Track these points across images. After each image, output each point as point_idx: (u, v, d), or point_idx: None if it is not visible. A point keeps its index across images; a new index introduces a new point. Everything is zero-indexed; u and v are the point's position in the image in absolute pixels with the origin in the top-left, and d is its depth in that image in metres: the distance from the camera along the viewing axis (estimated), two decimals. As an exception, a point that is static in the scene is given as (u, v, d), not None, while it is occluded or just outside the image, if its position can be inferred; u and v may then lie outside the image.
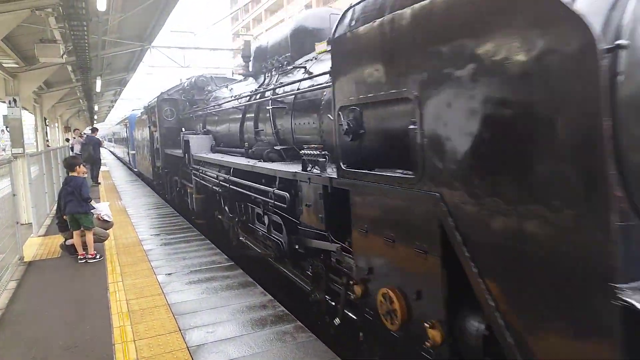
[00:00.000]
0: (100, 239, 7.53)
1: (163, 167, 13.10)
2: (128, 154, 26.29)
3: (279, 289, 6.25)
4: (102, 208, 7.85)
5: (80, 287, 5.96)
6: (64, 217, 7.18)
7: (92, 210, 7.62)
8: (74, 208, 7.00)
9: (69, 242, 7.33)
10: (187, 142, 10.03)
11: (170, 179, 13.06)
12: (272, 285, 6.25)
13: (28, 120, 19.41)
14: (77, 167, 7.43)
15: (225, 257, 7.09)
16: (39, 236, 9.17)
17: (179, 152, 11.13)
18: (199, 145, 9.77)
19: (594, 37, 1.77)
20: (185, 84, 12.69)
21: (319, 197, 4.32)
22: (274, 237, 6.00)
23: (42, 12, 8.73)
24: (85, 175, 7.79)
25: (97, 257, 7.11)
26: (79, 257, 7.07)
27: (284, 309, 4.93)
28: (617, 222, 1.76)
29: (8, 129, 11.59)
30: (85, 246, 7.13)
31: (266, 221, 6.30)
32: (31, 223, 9.57)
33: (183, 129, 11.23)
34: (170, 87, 13.43)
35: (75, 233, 7.09)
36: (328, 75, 4.52)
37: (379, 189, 3.19)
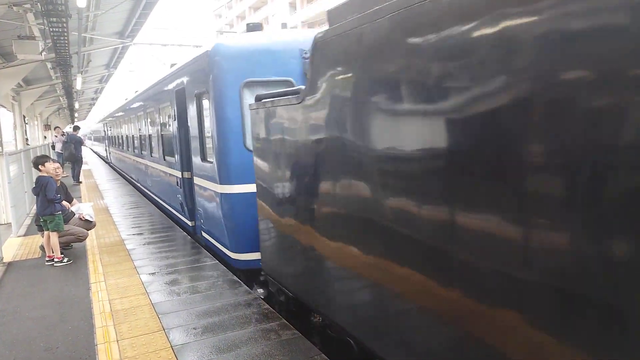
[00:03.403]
0: (79, 239, 7.41)
1: None
2: (183, 199, 8.39)
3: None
4: (84, 208, 7.74)
5: (61, 288, 5.88)
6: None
7: (72, 210, 7.50)
8: (39, 209, 6.84)
9: None
10: None
11: None
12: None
13: (6, 118, 18.81)
14: (42, 165, 6.92)
15: (210, 255, 7.06)
16: (19, 236, 9.01)
17: None
18: None
19: None
20: None
21: None
22: None
23: (20, 8, 8.59)
24: (59, 172, 7.44)
25: (65, 260, 6.86)
26: (46, 258, 6.93)
27: (269, 307, 4.94)
28: None
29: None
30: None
31: None
32: (10, 223, 9.40)
33: None
34: None
35: (45, 234, 6.92)
36: None
37: None
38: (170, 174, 9.32)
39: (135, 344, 4.21)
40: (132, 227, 9.39)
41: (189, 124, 7.46)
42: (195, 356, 3.95)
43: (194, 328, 4.50)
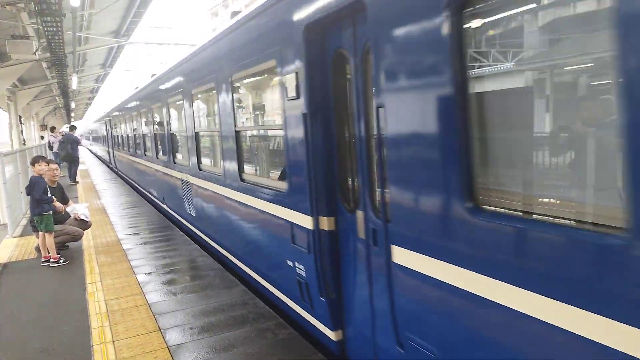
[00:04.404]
0: (74, 238, 7.38)
1: None
2: None
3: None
4: (79, 208, 7.71)
5: (57, 289, 5.85)
6: None
7: (67, 211, 7.47)
8: (30, 209, 6.84)
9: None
10: None
11: None
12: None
13: (2, 118, 18.68)
14: (32, 166, 6.90)
15: (206, 255, 7.04)
16: (15, 237, 8.97)
17: None
18: None
19: None
20: None
21: None
22: None
23: (14, 7, 8.54)
24: (56, 174, 7.38)
25: (61, 261, 6.83)
26: (42, 259, 6.91)
27: (266, 306, 4.93)
28: None
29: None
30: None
31: None
32: (6, 224, 9.36)
33: None
34: None
35: (41, 235, 6.89)
36: None
37: None
38: (264, 214, 4.74)
39: (132, 345, 4.20)
40: (129, 227, 9.36)
41: (382, 102, 2.76)
42: (192, 356, 3.93)
43: (190, 328, 4.48)
